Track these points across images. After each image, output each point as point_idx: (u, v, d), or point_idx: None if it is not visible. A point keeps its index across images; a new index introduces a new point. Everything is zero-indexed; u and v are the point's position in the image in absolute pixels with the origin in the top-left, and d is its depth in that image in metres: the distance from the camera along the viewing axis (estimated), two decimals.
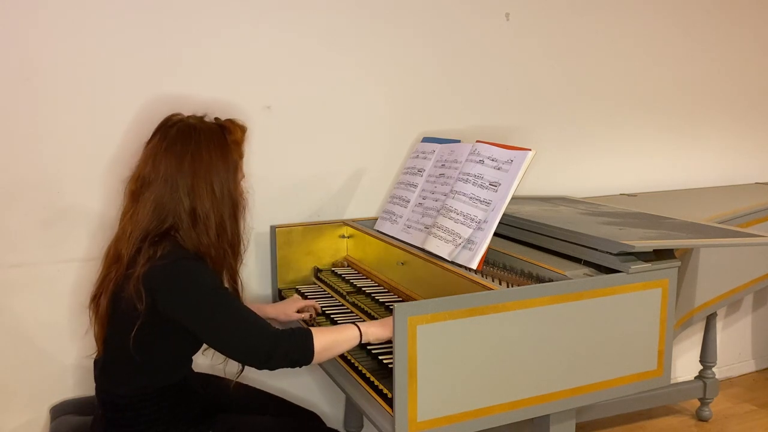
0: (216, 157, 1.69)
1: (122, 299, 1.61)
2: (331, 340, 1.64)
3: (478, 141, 2.05)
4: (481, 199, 1.91)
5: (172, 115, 1.78)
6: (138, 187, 1.70)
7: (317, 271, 2.38)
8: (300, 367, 1.63)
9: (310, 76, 2.36)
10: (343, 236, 2.43)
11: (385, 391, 1.58)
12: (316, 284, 2.35)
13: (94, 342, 1.75)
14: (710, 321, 2.99)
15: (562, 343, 1.67)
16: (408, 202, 2.25)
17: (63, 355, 2.14)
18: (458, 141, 2.22)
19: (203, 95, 2.18)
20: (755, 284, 2.64)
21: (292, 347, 1.59)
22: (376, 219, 2.39)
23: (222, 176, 1.69)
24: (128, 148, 2.13)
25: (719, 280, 2.47)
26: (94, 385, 1.76)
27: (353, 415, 2.53)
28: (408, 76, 2.52)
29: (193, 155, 1.67)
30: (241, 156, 1.78)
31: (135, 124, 2.13)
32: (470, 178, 1.98)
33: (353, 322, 1.71)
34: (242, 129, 1.81)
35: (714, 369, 3.01)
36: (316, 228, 2.38)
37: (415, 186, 2.26)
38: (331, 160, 2.43)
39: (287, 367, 1.61)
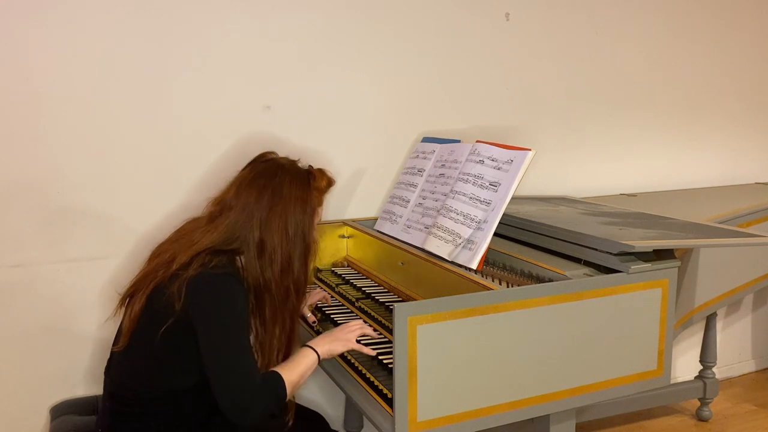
0: (295, 198, 1.73)
1: (163, 295, 1.63)
2: (297, 377, 1.66)
3: (478, 141, 2.05)
4: (481, 199, 1.91)
5: (267, 152, 1.85)
6: (218, 210, 1.75)
7: (317, 271, 2.38)
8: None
9: (311, 75, 2.36)
10: (343, 236, 2.43)
11: (385, 391, 1.58)
12: (316, 284, 2.35)
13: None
14: (710, 321, 2.99)
15: (562, 343, 1.67)
16: (408, 202, 2.24)
17: (63, 355, 2.13)
18: (458, 141, 2.22)
19: (204, 96, 2.19)
20: (755, 284, 2.64)
21: (268, 401, 1.60)
22: (376, 219, 2.39)
23: (298, 217, 1.73)
24: (129, 147, 2.14)
25: (719, 280, 2.47)
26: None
27: (353, 415, 2.53)
28: (408, 76, 2.52)
29: (274, 191, 1.72)
30: (320, 204, 1.83)
31: (134, 124, 2.13)
32: (470, 178, 1.98)
33: (306, 345, 1.73)
34: (329, 180, 1.85)
35: (714, 369, 3.01)
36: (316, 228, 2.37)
37: (415, 186, 2.26)
38: (331, 160, 2.42)
39: (264, 415, 1.60)
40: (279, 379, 1.63)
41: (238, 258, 1.69)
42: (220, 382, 1.59)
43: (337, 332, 1.76)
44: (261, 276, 1.69)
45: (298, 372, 1.67)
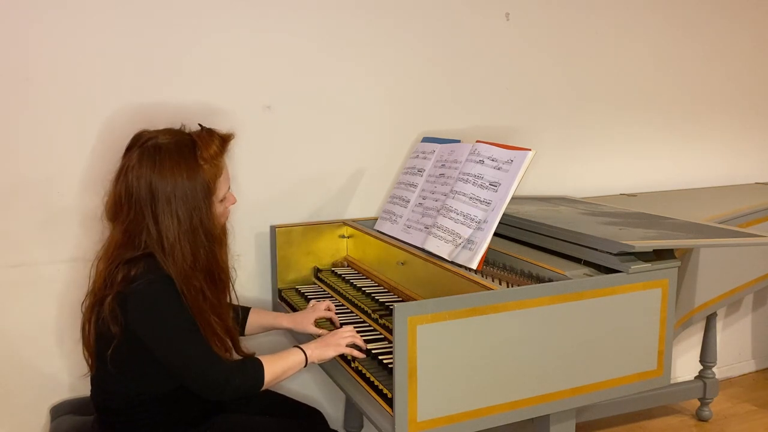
0: (181, 181, 1.57)
1: (101, 319, 1.60)
2: (280, 370, 1.66)
3: (478, 141, 2.05)
4: (481, 199, 1.91)
5: (142, 132, 1.66)
6: (112, 211, 1.65)
7: (317, 271, 2.38)
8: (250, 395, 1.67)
9: (311, 75, 2.36)
10: (343, 236, 2.43)
11: (385, 391, 1.58)
12: (316, 284, 2.35)
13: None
14: (710, 321, 2.99)
15: (563, 343, 1.67)
16: (408, 202, 2.24)
17: (63, 355, 2.13)
18: (458, 141, 2.22)
19: (204, 96, 2.19)
20: (755, 284, 2.64)
21: (243, 381, 1.61)
22: (376, 219, 2.39)
23: (190, 202, 1.58)
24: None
25: (719, 280, 2.47)
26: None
27: (353, 415, 2.53)
28: (408, 76, 2.52)
29: (158, 180, 1.56)
30: (218, 173, 1.65)
31: (136, 125, 2.13)
32: (470, 178, 1.98)
33: (297, 346, 1.73)
34: (222, 139, 1.68)
35: (714, 369, 3.01)
36: (316, 228, 2.38)
37: (415, 186, 2.26)
38: (331, 160, 2.43)
39: (238, 397, 1.64)
40: (259, 366, 1.63)
41: (155, 257, 1.58)
42: (190, 379, 1.60)
43: (328, 338, 1.75)
44: (174, 273, 1.57)
45: (281, 366, 1.66)
